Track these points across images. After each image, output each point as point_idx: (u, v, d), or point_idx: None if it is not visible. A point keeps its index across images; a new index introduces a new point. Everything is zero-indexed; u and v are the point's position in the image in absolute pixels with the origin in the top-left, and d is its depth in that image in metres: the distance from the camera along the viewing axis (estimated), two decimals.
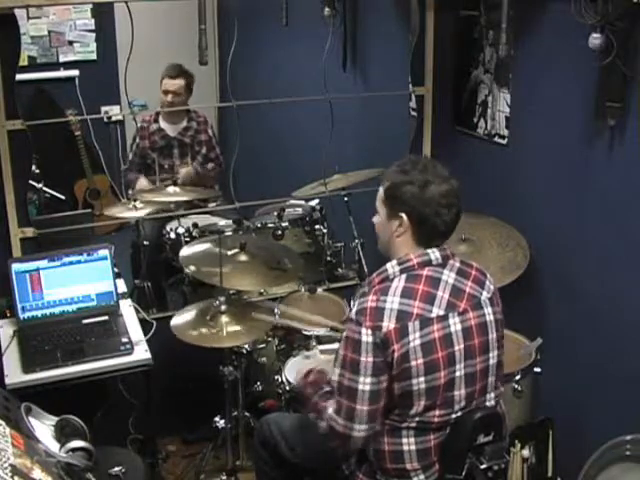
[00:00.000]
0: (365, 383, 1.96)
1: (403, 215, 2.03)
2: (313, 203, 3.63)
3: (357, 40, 3.89)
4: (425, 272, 2.03)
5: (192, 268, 2.91)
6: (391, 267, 2.05)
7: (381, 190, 2.10)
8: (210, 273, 2.80)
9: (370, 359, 1.95)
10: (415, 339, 1.94)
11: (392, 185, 2.06)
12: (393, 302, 1.97)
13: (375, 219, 2.15)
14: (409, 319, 1.95)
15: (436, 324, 1.97)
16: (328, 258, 3.63)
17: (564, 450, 2.74)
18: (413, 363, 1.94)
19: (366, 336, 1.95)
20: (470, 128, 3.26)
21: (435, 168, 2.07)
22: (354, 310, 2.01)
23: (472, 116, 3.24)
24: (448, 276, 2.04)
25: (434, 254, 2.05)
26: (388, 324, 1.94)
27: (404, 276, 2.02)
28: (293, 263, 2.98)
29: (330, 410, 2.07)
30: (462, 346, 2.00)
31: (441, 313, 1.99)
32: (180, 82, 4.02)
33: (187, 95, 4.08)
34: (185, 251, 2.98)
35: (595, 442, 2.34)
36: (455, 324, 2.00)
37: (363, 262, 3.41)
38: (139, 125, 4.07)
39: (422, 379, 1.95)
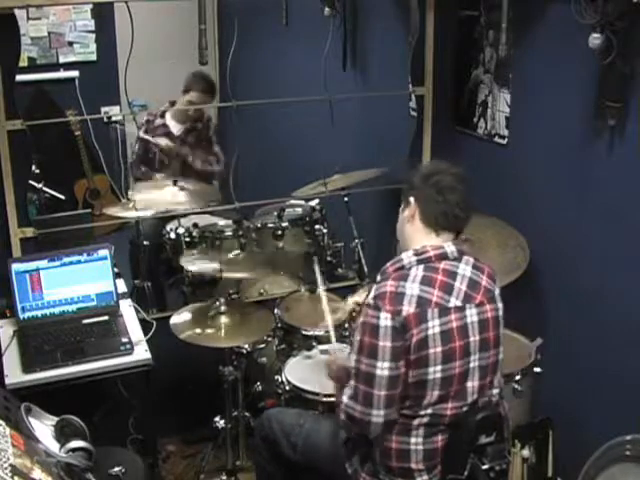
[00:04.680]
0: (383, 368, 1.96)
1: (411, 199, 2.10)
2: (313, 203, 3.63)
3: (357, 40, 3.89)
4: (442, 265, 2.06)
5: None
6: (407, 257, 2.07)
7: None
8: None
9: (389, 344, 1.95)
10: (435, 326, 1.96)
11: (408, 175, 2.17)
12: (413, 288, 1.99)
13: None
14: (428, 305, 1.97)
15: (454, 314, 2.00)
16: (328, 258, 3.62)
17: (564, 450, 2.74)
18: (431, 351, 1.96)
19: (385, 320, 1.95)
20: (470, 128, 3.26)
21: (454, 168, 2.16)
22: (372, 295, 2.02)
23: (472, 116, 3.24)
24: (464, 269, 2.07)
25: (449, 248, 2.08)
26: (408, 308, 1.95)
27: (422, 267, 2.04)
28: (292, 265, 3.00)
29: (345, 398, 2.06)
30: (477, 338, 2.03)
31: (459, 304, 2.01)
32: (211, 100, 4.02)
33: None
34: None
35: (595, 442, 2.34)
36: (472, 315, 2.02)
37: (363, 262, 3.41)
38: (145, 118, 4.07)
39: (439, 367, 1.97)
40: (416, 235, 2.10)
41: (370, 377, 1.98)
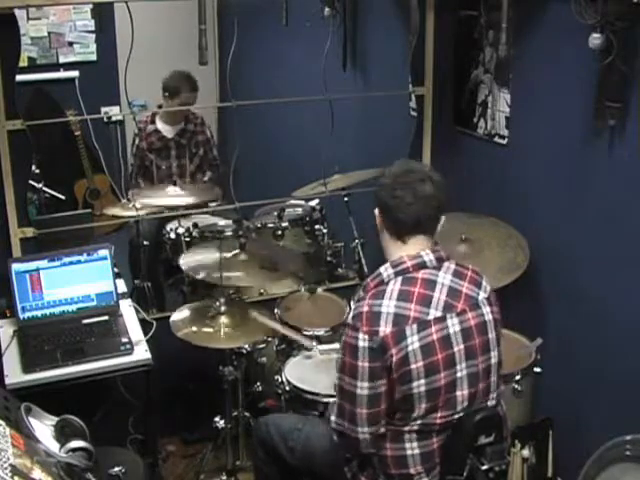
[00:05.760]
0: (363, 387, 1.96)
1: (375, 210, 2.08)
2: (313, 203, 3.63)
3: (357, 40, 3.89)
4: (420, 275, 2.03)
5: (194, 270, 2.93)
6: (385, 270, 2.05)
7: None
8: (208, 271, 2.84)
9: (366, 364, 1.95)
10: (414, 342, 1.94)
11: (376, 184, 2.12)
12: (389, 306, 1.97)
13: None
14: (406, 323, 1.95)
15: (434, 326, 1.97)
16: (328, 258, 3.63)
17: (564, 450, 2.75)
18: (413, 366, 1.94)
19: (363, 341, 1.95)
20: (470, 128, 3.26)
21: (419, 167, 2.12)
22: (350, 315, 2.02)
23: (472, 116, 3.24)
24: (444, 278, 2.04)
25: (428, 256, 2.05)
26: (385, 329, 1.94)
27: (400, 279, 2.02)
28: (291, 264, 3.00)
29: (333, 416, 2.07)
30: (462, 347, 2.00)
31: (438, 315, 1.99)
32: (195, 96, 4.03)
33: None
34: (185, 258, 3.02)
35: (595, 442, 2.34)
36: (454, 325, 2.00)
37: (363, 262, 3.41)
38: (137, 127, 4.08)
39: (422, 381, 1.95)
40: (388, 245, 2.09)
41: (352, 396, 1.99)
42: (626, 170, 2.51)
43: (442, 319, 1.99)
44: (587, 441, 2.44)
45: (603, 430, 2.41)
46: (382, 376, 1.95)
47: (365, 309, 1.98)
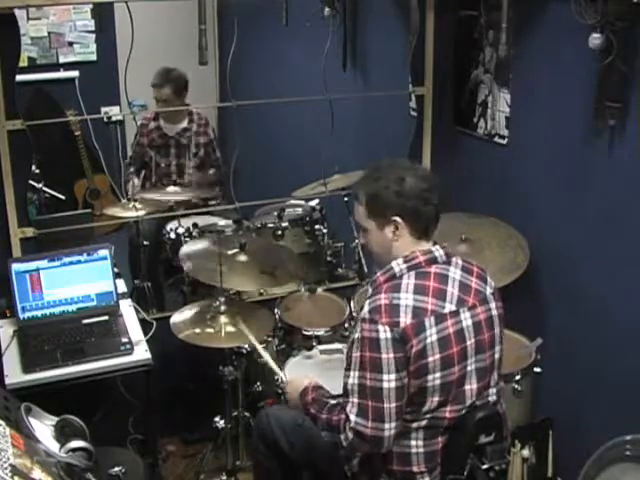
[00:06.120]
0: (390, 380, 1.95)
1: (397, 218, 2.05)
2: (313, 203, 3.63)
3: (357, 40, 3.89)
4: (433, 269, 2.05)
5: (189, 264, 2.93)
6: (397, 265, 2.05)
7: (360, 208, 2.11)
8: (209, 272, 2.82)
9: (391, 355, 1.94)
10: (432, 334, 1.96)
11: (370, 197, 2.08)
12: (407, 299, 1.98)
13: (363, 239, 2.16)
14: (425, 315, 1.96)
15: (450, 319, 1.99)
16: (328, 258, 3.63)
17: (564, 450, 2.74)
18: (430, 359, 1.95)
19: (384, 333, 1.94)
20: (470, 128, 3.26)
21: (399, 162, 2.15)
22: (366, 309, 2.00)
23: (472, 116, 3.24)
24: (454, 273, 2.07)
25: (438, 252, 2.07)
26: (405, 320, 1.94)
27: (413, 273, 2.03)
28: (290, 267, 3.00)
29: (352, 416, 2.01)
30: (473, 341, 2.02)
31: (453, 309, 2.01)
32: (166, 91, 3.98)
33: (178, 97, 4.04)
34: (185, 249, 3.00)
35: (595, 442, 2.34)
36: (466, 319, 2.02)
37: (363, 262, 3.41)
38: (140, 122, 4.08)
39: (438, 374, 1.96)
40: (405, 248, 2.07)
41: (378, 391, 1.96)
42: (626, 170, 2.51)
43: (456, 313, 2.01)
44: (587, 441, 2.44)
45: (603, 430, 2.41)
46: (405, 367, 1.95)
47: (383, 302, 1.98)
